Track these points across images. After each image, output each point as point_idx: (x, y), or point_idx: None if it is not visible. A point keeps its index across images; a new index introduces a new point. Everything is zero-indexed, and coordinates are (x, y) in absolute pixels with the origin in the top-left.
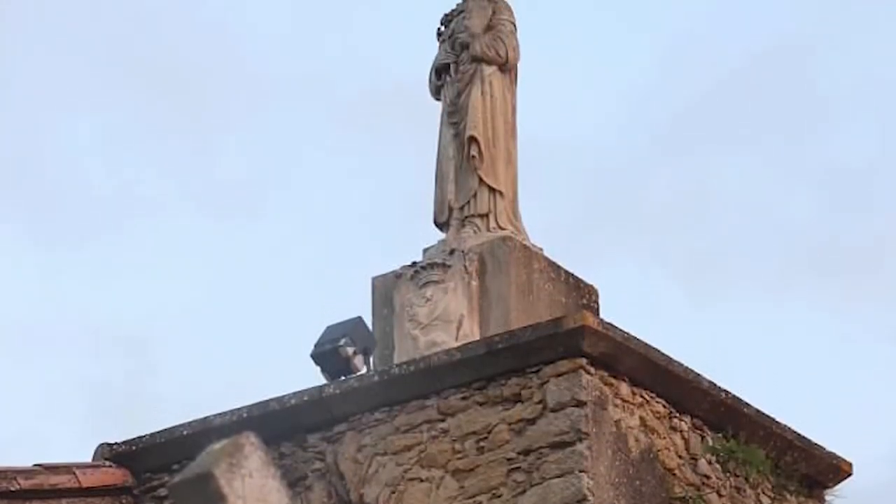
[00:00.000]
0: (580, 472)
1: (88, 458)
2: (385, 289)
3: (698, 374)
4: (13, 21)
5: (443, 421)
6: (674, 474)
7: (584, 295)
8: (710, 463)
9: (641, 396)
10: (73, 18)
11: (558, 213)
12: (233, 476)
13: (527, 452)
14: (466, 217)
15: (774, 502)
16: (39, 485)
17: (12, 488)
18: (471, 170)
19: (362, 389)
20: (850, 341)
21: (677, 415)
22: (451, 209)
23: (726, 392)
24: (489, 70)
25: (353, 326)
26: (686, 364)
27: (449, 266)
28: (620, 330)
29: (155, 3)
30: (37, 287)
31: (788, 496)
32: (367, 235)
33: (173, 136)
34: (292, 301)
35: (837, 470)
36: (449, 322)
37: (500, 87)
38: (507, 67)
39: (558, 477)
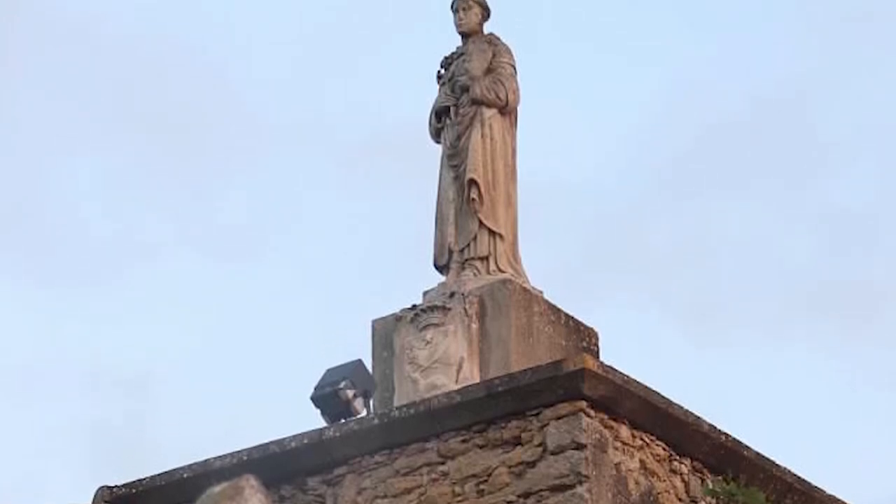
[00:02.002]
0: None
1: (88, 501)
2: (385, 331)
3: (698, 417)
4: (14, 67)
5: (443, 464)
6: None
7: (584, 338)
8: None
9: (641, 439)
10: (74, 64)
11: (558, 255)
12: None
13: (527, 495)
14: (466, 260)
15: None
16: None
17: None
18: (471, 212)
19: (362, 432)
20: (849, 384)
21: (677, 457)
22: (451, 252)
23: (726, 435)
24: (489, 113)
25: (353, 369)
26: (686, 407)
27: (449, 309)
28: (620, 373)
29: (155, 50)
30: (37, 330)
31: None
32: (367, 278)
33: (173, 180)
34: (292, 344)
35: None
36: (449, 365)
37: (500, 130)
38: (508, 110)
39: None
